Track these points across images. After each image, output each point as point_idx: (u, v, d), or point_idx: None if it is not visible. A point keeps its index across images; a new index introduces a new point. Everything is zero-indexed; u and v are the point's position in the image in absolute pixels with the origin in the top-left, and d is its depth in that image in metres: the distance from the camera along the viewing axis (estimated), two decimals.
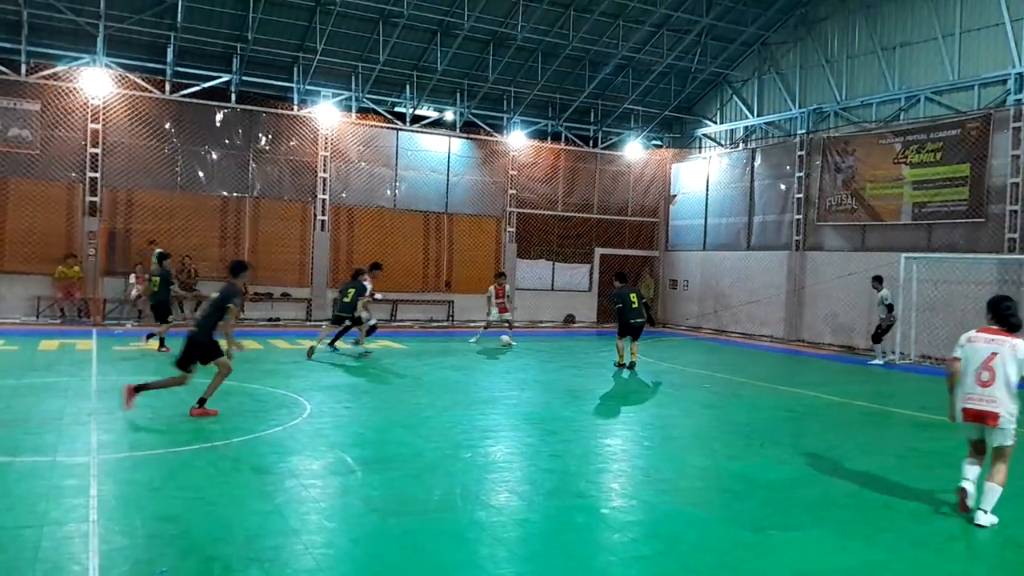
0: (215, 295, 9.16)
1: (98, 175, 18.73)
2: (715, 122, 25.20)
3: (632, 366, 14.44)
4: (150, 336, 14.57)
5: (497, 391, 11.86)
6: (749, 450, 8.45)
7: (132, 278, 18.92)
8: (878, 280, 17.04)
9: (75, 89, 18.42)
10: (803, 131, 21.69)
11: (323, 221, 21.38)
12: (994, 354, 6.23)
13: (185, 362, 8.89)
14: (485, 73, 22.11)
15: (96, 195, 18.73)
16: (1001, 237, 16.80)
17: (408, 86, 22.26)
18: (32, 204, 18.17)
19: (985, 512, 6.04)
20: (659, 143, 26.57)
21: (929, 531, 5.96)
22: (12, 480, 6.15)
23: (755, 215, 23.44)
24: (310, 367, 13.26)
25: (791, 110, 22.23)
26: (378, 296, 21.78)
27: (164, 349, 13.83)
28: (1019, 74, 16.60)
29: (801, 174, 21.63)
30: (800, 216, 21.66)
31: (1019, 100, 16.59)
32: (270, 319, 20.57)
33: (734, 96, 24.42)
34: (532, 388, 12.35)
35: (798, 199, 21.72)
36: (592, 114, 25.15)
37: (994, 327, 6.43)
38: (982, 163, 17.15)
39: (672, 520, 6.03)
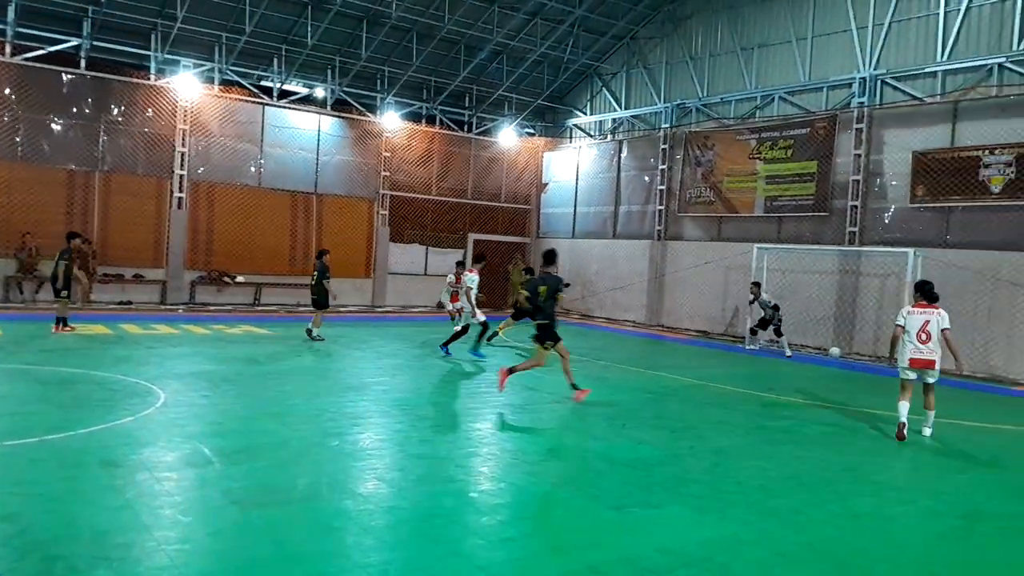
0: (542, 285, 10.54)
1: None
2: (585, 113, 25.80)
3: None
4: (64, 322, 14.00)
5: (367, 377, 11.69)
6: (612, 431, 8.77)
7: None
8: (756, 286, 17.61)
9: None
10: (667, 125, 22.57)
11: (180, 198, 20.22)
12: (927, 321, 9.05)
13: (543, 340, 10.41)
14: (358, 51, 21.59)
15: None
16: (843, 230, 18.16)
17: (276, 60, 21.39)
18: None
19: (929, 430, 9.25)
20: (532, 131, 26.92)
21: (777, 504, 6.40)
22: None
23: (621, 205, 24.23)
24: (166, 354, 12.56)
25: (656, 104, 23.07)
26: (240, 279, 21.01)
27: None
28: (863, 78, 17.96)
29: (664, 166, 22.52)
30: (662, 207, 22.58)
31: (862, 103, 17.95)
32: (120, 302, 19.29)
33: (604, 88, 25.08)
34: (403, 374, 12.26)
35: (661, 190, 22.62)
36: (467, 99, 25.12)
37: (923, 302, 9.21)
38: (828, 161, 18.47)
39: (539, 501, 6.17)
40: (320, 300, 15.61)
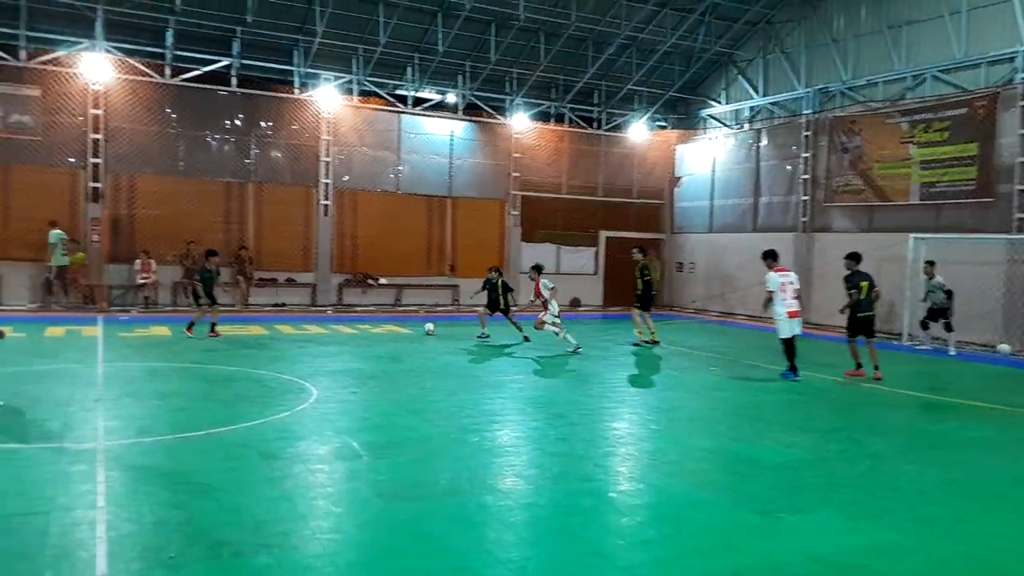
0: (864, 281, 11.84)
1: (100, 161, 18.67)
2: (720, 102, 25.01)
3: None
4: (192, 324, 14.80)
5: (503, 375, 11.84)
6: (756, 433, 8.43)
7: (137, 264, 18.90)
8: (931, 264, 16.14)
9: (75, 74, 18.32)
10: (809, 111, 21.50)
11: (326, 206, 21.31)
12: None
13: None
14: (487, 54, 21.95)
15: (99, 181, 18.68)
16: (1010, 216, 16.66)
17: (409, 68, 22.11)
18: (35, 191, 18.13)
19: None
20: (664, 124, 26.39)
21: (939, 512, 5.93)
22: (21, 466, 6.15)
23: (761, 196, 23.30)
24: (316, 353, 13.26)
25: (797, 90, 22.03)
26: (383, 281, 21.89)
27: (189, 333, 14.36)
28: None
29: (807, 154, 21.47)
30: (807, 197, 21.53)
31: None
32: (275, 304, 20.57)
33: (739, 76, 24.21)
34: (538, 372, 12.33)
35: (804, 180, 21.57)
36: (596, 95, 24.96)
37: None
38: (990, 142, 16.98)
39: (679, 503, 6.01)
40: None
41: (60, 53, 18.15)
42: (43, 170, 18.26)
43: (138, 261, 18.88)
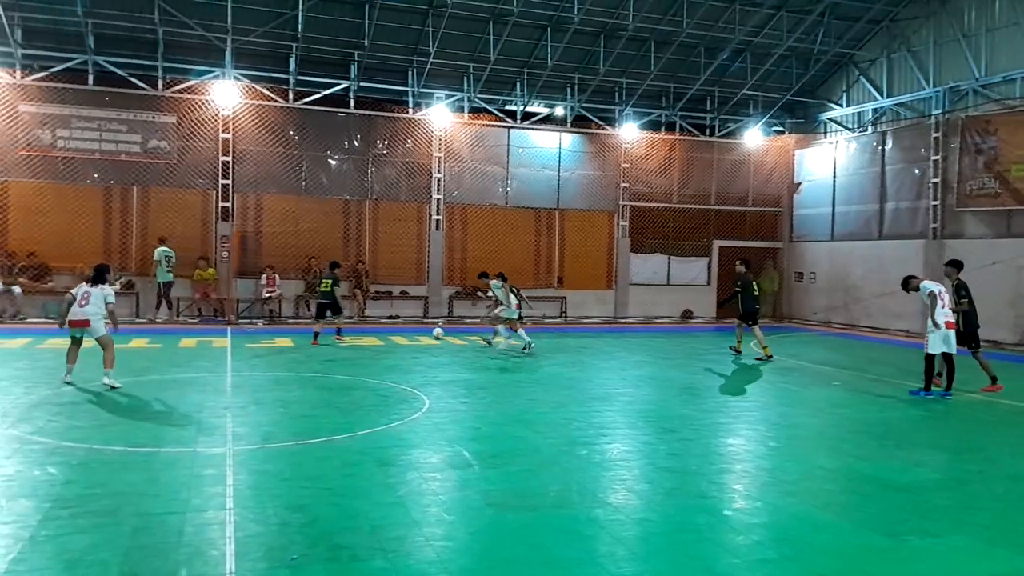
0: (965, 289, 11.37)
1: (229, 182, 19.85)
2: (841, 105, 23.96)
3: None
4: (338, 332, 16.26)
5: (612, 388, 11.73)
6: (882, 451, 7.98)
7: (263, 279, 19.95)
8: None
9: (207, 101, 19.58)
10: (938, 111, 20.27)
11: (438, 220, 21.83)
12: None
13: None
14: (596, 66, 21.93)
15: (228, 200, 19.86)
16: None
17: (518, 83, 22.37)
18: (171, 211, 19.50)
19: None
20: (781, 129, 25.53)
21: None
22: (158, 469, 6.59)
23: (887, 202, 22.11)
24: (428, 363, 13.56)
25: (924, 89, 20.82)
26: (491, 293, 22.13)
27: (314, 343, 15.46)
28: None
29: (937, 157, 20.24)
30: (937, 202, 20.27)
31: None
32: (390, 316, 21.21)
33: (861, 77, 23.13)
34: (648, 385, 12.14)
35: (934, 184, 20.33)
36: (708, 102, 24.45)
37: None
38: None
39: (799, 523, 5.76)
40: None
41: (193, 81, 19.46)
42: (178, 191, 19.61)
43: (263, 276, 19.93)
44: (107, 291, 10.65)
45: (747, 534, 5.52)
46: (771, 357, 14.85)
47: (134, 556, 4.72)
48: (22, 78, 18.22)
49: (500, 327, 15.77)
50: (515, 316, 15.60)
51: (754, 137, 24.76)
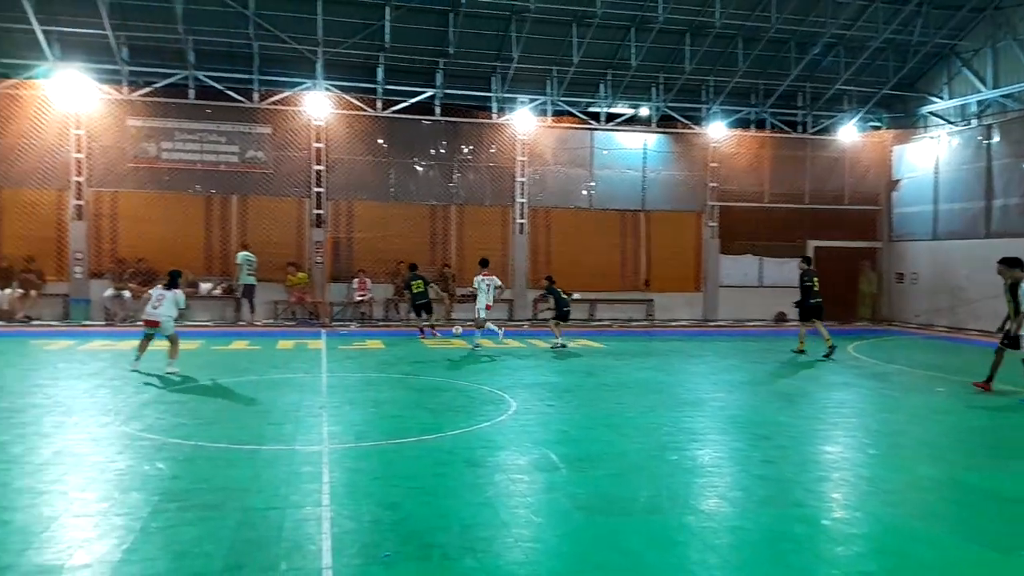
0: None
1: (322, 189, 20.49)
2: (942, 98, 22.80)
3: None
4: (426, 331, 17.50)
5: (703, 392, 11.50)
6: (992, 461, 7.54)
7: (354, 283, 20.49)
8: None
9: (300, 112, 20.28)
10: None
11: (521, 224, 21.93)
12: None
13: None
14: (681, 64, 21.59)
15: (321, 208, 20.51)
16: None
17: (602, 85, 22.24)
18: (267, 218, 20.29)
19: None
20: (877, 124, 24.48)
21: None
22: (259, 465, 6.86)
23: (994, 199, 20.90)
24: (514, 366, 13.63)
25: None
26: (576, 296, 22.08)
27: (424, 337, 17.00)
28: None
29: None
30: None
31: None
32: (474, 319, 21.36)
33: (963, 68, 21.95)
34: (740, 390, 11.85)
35: None
36: (799, 98, 23.71)
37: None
38: None
39: (902, 535, 5.50)
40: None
41: (287, 93, 20.18)
42: (274, 200, 20.38)
43: (355, 280, 20.48)
44: (178, 295, 11.98)
45: (847, 545, 5.32)
46: (834, 348, 15.06)
47: (237, 549, 4.92)
48: (129, 94, 19.31)
49: (492, 326, 16.61)
50: (482, 315, 16.41)
51: (849, 133, 23.85)
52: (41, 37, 17.62)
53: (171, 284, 12.03)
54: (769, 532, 5.51)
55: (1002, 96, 20.72)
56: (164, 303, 11.79)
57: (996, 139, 20.89)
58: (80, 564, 4.66)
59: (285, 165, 20.46)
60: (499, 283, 16.76)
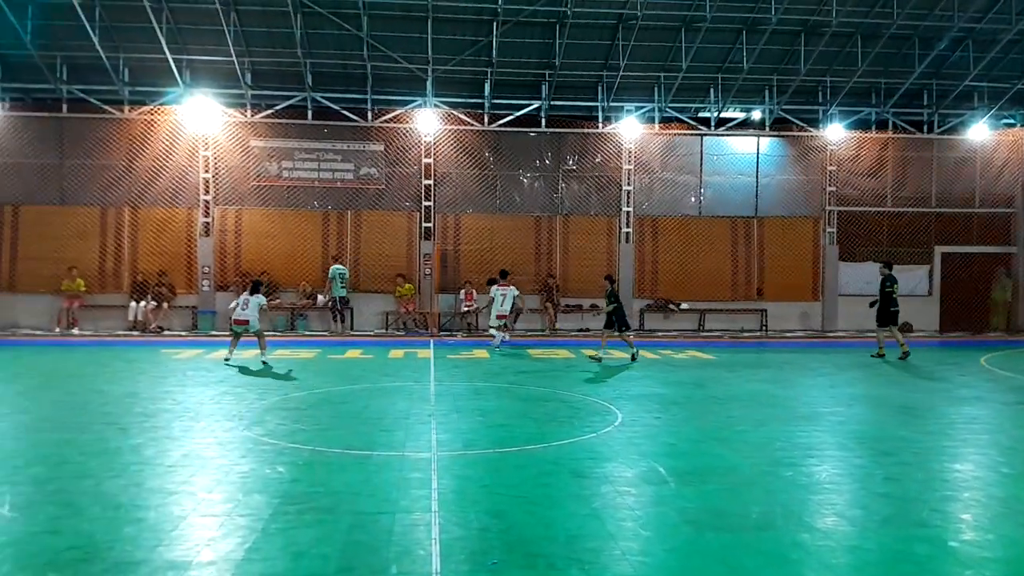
0: None
1: (431, 203, 21.02)
2: None
3: None
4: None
5: (819, 406, 11.01)
6: None
7: (462, 294, 20.88)
8: None
9: (410, 129, 20.91)
10: None
11: (627, 233, 21.74)
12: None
13: None
14: (796, 66, 20.85)
15: (430, 221, 21.03)
16: None
17: (712, 89, 21.79)
18: (380, 232, 21.01)
19: None
20: (1011, 122, 22.83)
21: None
22: (371, 471, 7.08)
23: None
24: (620, 376, 13.50)
25: None
26: (684, 306, 21.66)
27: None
28: None
29: None
30: None
31: None
32: (580, 329, 21.36)
33: None
34: (860, 404, 11.27)
35: None
36: (924, 96, 22.43)
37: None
38: None
39: None
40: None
41: (398, 111, 20.84)
42: (386, 214, 21.09)
43: (462, 291, 20.86)
44: (260, 299, 14.34)
45: (976, 568, 4.96)
46: (908, 353, 15.80)
47: (350, 551, 5.10)
48: (252, 116, 20.46)
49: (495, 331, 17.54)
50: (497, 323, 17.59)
51: (980, 132, 22.37)
52: (173, 65, 18.95)
53: (254, 290, 14.42)
54: (891, 553, 5.21)
55: None
56: (250, 306, 14.07)
57: None
58: (206, 561, 4.94)
59: (396, 180, 21.13)
60: (516, 293, 17.92)
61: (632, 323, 21.37)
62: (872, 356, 16.30)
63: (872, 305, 16.72)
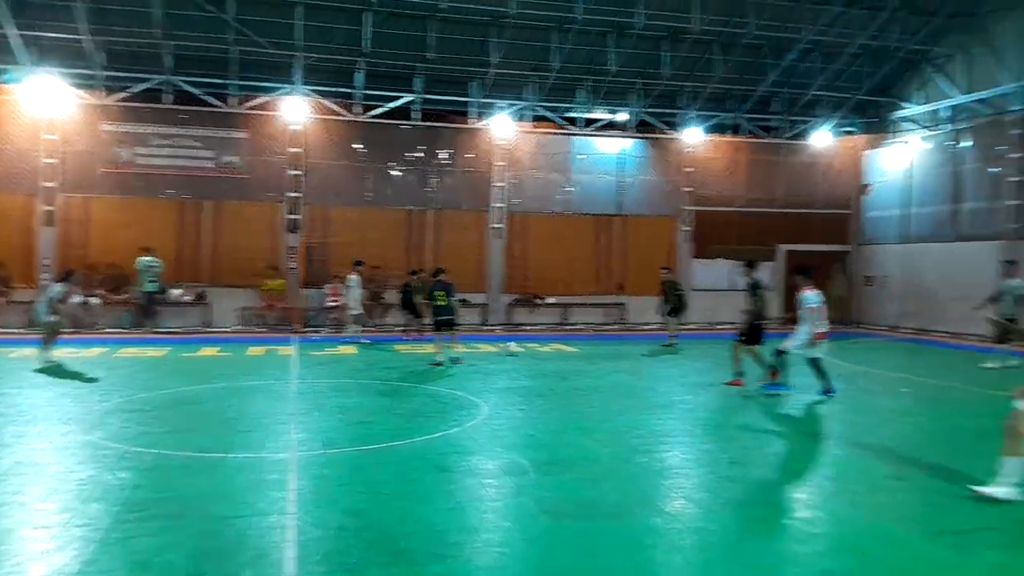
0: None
1: (298, 195, 20.39)
2: (914, 103, 23.11)
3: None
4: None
5: (673, 395, 11.56)
6: (955, 461, 7.64)
7: (327, 288, 20.34)
8: (1011, 264, 14.44)
9: (277, 117, 20.17)
10: (1019, 107, 19.36)
11: (498, 229, 21.94)
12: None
13: None
14: (660, 70, 21.71)
15: (297, 213, 20.39)
16: None
17: (581, 90, 22.32)
18: (242, 223, 20.13)
19: None
20: (850, 130, 24.78)
21: None
22: (225, 474, 6.80)
23: (964, 202, 21.21)
24: (487, 370, 13.62)
25: (1005, 85, 19.90)
26: (550, 300, 22.13)
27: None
28: None
29: (1018, 155, 19.31)
30: (1018, 201, 19.34)
31: None
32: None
33: (936, 74, 22.27)
34: (709, 392, 11.90)
35: (1015, 183, 19.41)
36: (775, 103, 23.94)
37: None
38: None
39: (864, 534, 5.57)
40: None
41: (264, 98, 20.07)
42: (249, 204, 20.23)
43: (328, 285, 20.31)
44: (55, 289, 13.33)
45: (808, 543, 5.38)
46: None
47: (200, 558, 4.88)
48: (104, 99, 19.11)
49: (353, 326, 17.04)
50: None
51: (823, 138, 24.11)
52: (16, 41, 17.39)
53: (63, 280, 13.74)
54: (733, 532, 5.56)
55: (974, 102, 21.03)
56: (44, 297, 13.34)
57: (966, 144, 21.20)
58: None
59: (261, 170, 20.32)
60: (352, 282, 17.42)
61: (500, 317, 21.68)
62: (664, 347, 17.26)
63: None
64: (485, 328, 21.23)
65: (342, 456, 7.49)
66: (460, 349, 14.92)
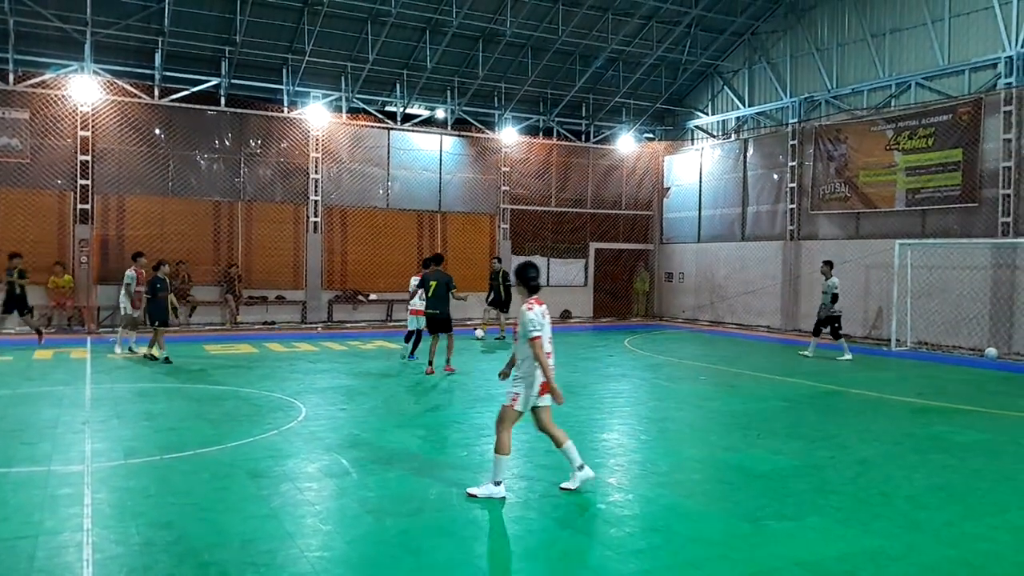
0: None
1: (89, 182, 18.65)
2: (707, 113, 25.20)
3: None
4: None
5: (495, 388, 11.82)
6: (746, 441, 8.46)
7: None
8: (828, 265, 16.15)
9: (64, 96, 18.34)
10: (795, 120, 21.68)
11: (315, 223, 21.32)
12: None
13: None
14: (475, 70, 22.08)
15: (87, 202, 18.65)
16: (995, 221, 16.82)
17: (398, 85, 22.20)
18: (23, 213, 18.11)
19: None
20: (651, 136, 26.56)
21: (926, 517, 5.96)
22: (8, 491, 6.12)
23: (749, 205, 23.44)
24: (306, 370, 13.23)
25: (782, 99, 22.22)
26: (372, 297, 21.85)
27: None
28: (1009, 58, 16.62)
29: (794, 163, 21.62)
30: (794, 205, 21.66)
31: (1009, 84, 16.60)
32: (265, 322, 20.53)
33: (725, 87, 24.41)
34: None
35: (791, 188, 21.71)
36: (584, 108, 25.13)
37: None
38: (974, 148, 17.17)
39: (669, 513, 6.03)
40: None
41: (49, 76, 18.16)
42: (31, 192, 18.24)
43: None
44: None
45: (620, 526, 5.72)
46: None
47: None
48: None
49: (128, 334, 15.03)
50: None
51: (626, 143, 25.64)
52: None
53: None
54: (551, 519, 5.80)
55: (757, 113, 23.28)
56: None
57: (751, 152, 23.42)
58: None
59: (45, 154, 18.38)
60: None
61: (320, 315, 21.10)
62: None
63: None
64: (305, 326, 20.58)
65: (146, 466, 6.98)
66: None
